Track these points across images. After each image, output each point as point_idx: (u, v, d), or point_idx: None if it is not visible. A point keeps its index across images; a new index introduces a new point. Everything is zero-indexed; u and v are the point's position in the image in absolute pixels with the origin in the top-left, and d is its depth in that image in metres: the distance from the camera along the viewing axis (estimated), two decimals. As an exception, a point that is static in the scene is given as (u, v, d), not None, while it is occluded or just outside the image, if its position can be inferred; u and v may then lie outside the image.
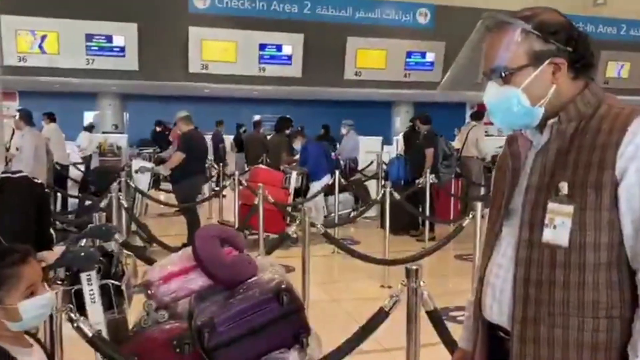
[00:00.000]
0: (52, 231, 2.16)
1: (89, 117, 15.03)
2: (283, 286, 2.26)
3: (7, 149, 6.52)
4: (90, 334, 1.77)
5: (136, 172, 6.34)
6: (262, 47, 12.91)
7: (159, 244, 4.65)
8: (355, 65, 13.45)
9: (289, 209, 6.48)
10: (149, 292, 2.32)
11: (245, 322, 2.17)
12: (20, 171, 1.99)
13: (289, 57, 13.05)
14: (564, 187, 1.17)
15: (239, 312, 2.18)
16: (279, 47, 13.01)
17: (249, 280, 2.34)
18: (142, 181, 6.29)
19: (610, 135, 1.15)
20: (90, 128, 12.34)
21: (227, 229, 2.62)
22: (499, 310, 1.29)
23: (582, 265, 1.16)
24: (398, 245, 5.47)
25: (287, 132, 7.84)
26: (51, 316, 1.80)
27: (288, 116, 8.73)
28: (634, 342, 1.12)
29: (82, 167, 10.23)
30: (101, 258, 2.18)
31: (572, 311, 1.17)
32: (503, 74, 1.24)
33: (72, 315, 1.86)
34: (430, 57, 13.93)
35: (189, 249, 2.43)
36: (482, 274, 1.36)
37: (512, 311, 1.24)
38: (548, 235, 1.19)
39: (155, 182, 6.83)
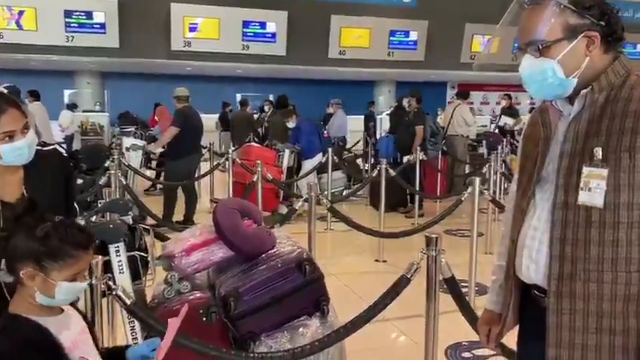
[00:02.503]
0: (75, 205, 2.18)
1: (68, 95, 14.72)
2: (305, 256, 2.35)
3: None
4: (129, 302, 1.82)
5: (127, 149, 6.30)
6: (246, 24, 12.77)
7: (158, 221, 4.68)
8: (340, 44, 13.43)
9: (286, 186, 6.54)
10: (172, 264, 2.38)
11: (269, 290, 2.25)
12: (49, 144, 2.00)
13: (273, 35, 12.94)
14: (598, 152, 1.26)
15: (262, 282, 2.26)
16: (262, 25, 12.88)
17: (270, 252, 2.42)
18: (134, 159, 6.26)
19: None
20: (72, 106, 12.09)
21: (245, 202, 2.67)
22: (535, 270, 1.37)
23: (616, 223, 1.25)
24: (388, 222, 5.58)
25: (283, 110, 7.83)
26: (91, 286, 1.83)
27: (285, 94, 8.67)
28: None
29: (64, 147, 10.06)
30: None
31: (606, 267, 1.26)
32: (540, 47, 1.30)
33: (111, 284, 1.91)
34: (413, 35, 13.98)
35: (209, 222, 2.49)
36: (514, 238, 1.43)
37: (548, 269, 1.32)
38: (583, 197, 1.27)
39: (146, 160, 6.80)
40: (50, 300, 1.37)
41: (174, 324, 1.51)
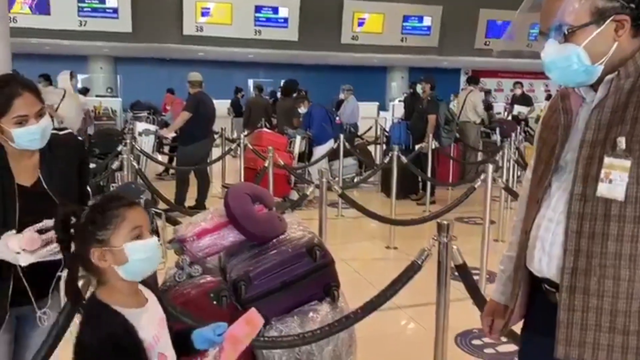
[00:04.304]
0: (88, 189, 2.19)
1: (81, 80, 14.77)
2: (315, 241, 2.35)
3: (56, 110, 6.54)
4: (140, 285, 1.83)
5: (140, 134, 6.33)
6: (258, 9, 12.72)
7: (170, 205, 4.71)
8: (352, 30, 13.33)
9: (298, 172, 6.54)
10: (184, 247, 2.39)
11: (280, 275, 2.25)
12: (65, 128, 2.01)
13: (285, 20, 12.88)
14: (621, 142, 1.19)
15: (273, 266, 2.26)
16: (275, 10, 12.82)
17: (281, 236, 2.42)
18: (146, 143, 6.28)
19: None
20: (85, 91, 12.16)
21: (256, 187, 2.67)
22: (548, 263, 1.31)
23: (637, 218, 1.19)
24: (399, 209, 5.56)
25: (294, 95, 7.80)
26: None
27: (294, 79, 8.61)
28: None
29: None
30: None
31: (623, 263, 1.20)
32: (566, 32, 1.22)
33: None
34: (427, 21, 13.83)
35: (220, 207, 2.49)
36: (528, 228, 1.37)
37: (562, 263, 1.26)
38: (603, 189, 1.21)
39: (159, 145, 6.83)
40: (129, 265, 1.33)
41: (252, 324, 1.47)
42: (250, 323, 1.45)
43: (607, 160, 1.21)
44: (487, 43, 14.04)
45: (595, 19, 1.21)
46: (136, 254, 1.33)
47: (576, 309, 1.25)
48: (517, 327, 1.52)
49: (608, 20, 1.21)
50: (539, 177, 1.38)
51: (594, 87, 1.28)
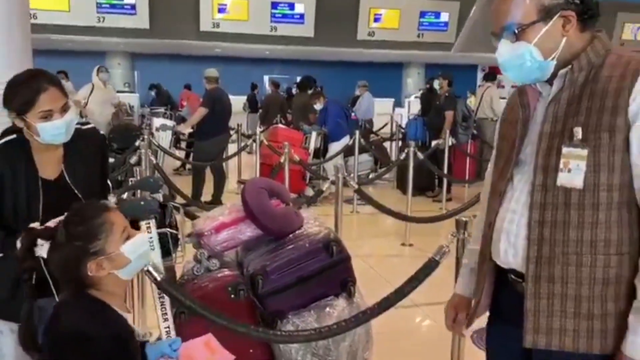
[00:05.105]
0: (109, 182, 2.22)
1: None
2: (332, 237, 2.35)
3: (84, 105, 6.66)
4: (159, 278, 1.85)
5: (157, 130, 6.39)
6: (274, 5, 12.73)
7: (187, 200, 4.75)
8: (368, 25, 13.28)
9: (313, 168, 6.54)
10: (202, 241, 2.41)
11: (296, 270, 2.26)
12: (87, 122, 2.04)
13: (302, 16, 12.87)
14: (578, 132, 1.23)
15: (290, 261, 2.27)
16: (291, 6, 12.82)
17: (298, 232, 2.42)
18: (164, 139, 6.34)
19: (623, 81, 1.21)
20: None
21: (273, 182, 2.68)
22: (514, 254, 1.34)
23: (595, 205, 1.22)
24: (415, 206, 5.54)
25: (310, 91, 7.81)
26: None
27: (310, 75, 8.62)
28: None
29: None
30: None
31: (585, 249, 1.24)
32: (516, 31, 1.27)
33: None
34: (444, 17, 13.71)
35: (238, 201, 2.50)
36: (491, 222, 1.40)
37: (526, 253, 1.30)
38: (563, 178, 1.25)
39: (176, 140, 6.89)
40: (131, 266, 1.36)
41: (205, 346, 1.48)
42: (208, 346, 1.47)
43: (565, 150, 1.25)
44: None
45: (543, 16, 1.26)
46: (135, 252, 1.36)
47: (542, 297, 1.28)
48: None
49: (555, 17, 1.26)
50: (500, 171, 1.43)
51: (550, 81, 1.33)
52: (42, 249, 1.68)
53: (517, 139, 1.37)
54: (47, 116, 1.72)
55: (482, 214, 1.53)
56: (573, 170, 1.23)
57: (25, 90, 1.72)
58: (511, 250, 1.34)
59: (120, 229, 1.36)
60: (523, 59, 1.28)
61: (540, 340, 1.29)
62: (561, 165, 1.25)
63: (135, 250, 1.37)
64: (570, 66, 1.28)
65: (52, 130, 1.74)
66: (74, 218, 1.35)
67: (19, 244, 1.40)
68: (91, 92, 6.84)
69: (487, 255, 1.43)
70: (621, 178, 1.22)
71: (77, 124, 1.85)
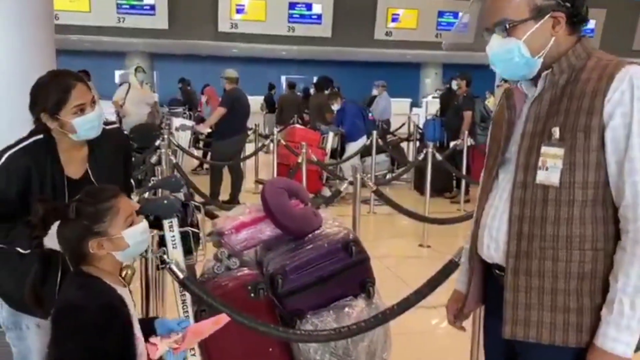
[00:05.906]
0: (132, 181, 2.25)
1: (120, 75, 15.11)
2: (351, 237, 2.35)
3: (121, 105, 6.78)
4: (181, 276, 1.88)
5: (177, 129, 6.45)
6: (292, 5, 12.77)
7: (205, 199, 4.79)
8: (386, 25, 13.25)
9: (330, 168, 6.55)
10: (222, 240, 2.43)
11: (315, 270, 2.27)
12: (113, 122, 2.08)
13: (319, 17, 12.90)
14: (555, 132, 1.28)
15: (309, 261, 2.28)
16: (308, 6, 12.85)
17: (317, 232, 2.43)
18: (183, 139, 6.40)
19: (599, 83, 1.26)
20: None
21: (292, 182, 2.69)
22: (496, 249, 1.39)
23: (571, 202, 1.27)
24: (433, 207, 5.51)
25: (327, 92, 7.82)
26: (146, 259, 1.90)
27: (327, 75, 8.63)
28: (615, 271, 1.25)
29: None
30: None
31: (561, 244, 1.28)
32: (507, 27, 1.32)
33: (165, 257, 1.98)
34: (463, 17, 13.62)
35: (258, 201, 2.53)
36: (478, 217, 1.47)
37: (507, 247, 1.35)
38: (541, 176, 1.30)
39: (194, 140, 6.95)
40: (129, 250, 1.46)
41: (207, 326, 1.54)
42: (216, 323, 1.53)
43: (543, 149, 1.30)
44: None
45: (534, 15, 1.31)
46: (135, 238, 1.45)
47: (520, 290, 1.33)
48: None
49: (546, 17, 1.31)
50: (489, 170, 1.49)
51: (535, 83, 1.38)
52: (50, 240, 1.72)
53: (503, 138, 1.42)
54: (80, 110, 1.76)
55: (475, 210, 1.57)
56: (550, 169, 1.29)
57: (56, 89, 1.76)
58: (493, 245, 1.39)
59: (125, 215, 1.45)
60: (512, 54, 1.33)
61: (518, 332, 1.34)
62: (540, 164, 1.30)
63: (135, 236, 1.46)
64: (551, 69, 1.33)
65: (87, 124, 1.78)
66: (87, 199, 1.45)
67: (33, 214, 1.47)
68: (127, 92, 6.95)
69: (474, 250, 1.49)
70: (596, 176, 1.26)
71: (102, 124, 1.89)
